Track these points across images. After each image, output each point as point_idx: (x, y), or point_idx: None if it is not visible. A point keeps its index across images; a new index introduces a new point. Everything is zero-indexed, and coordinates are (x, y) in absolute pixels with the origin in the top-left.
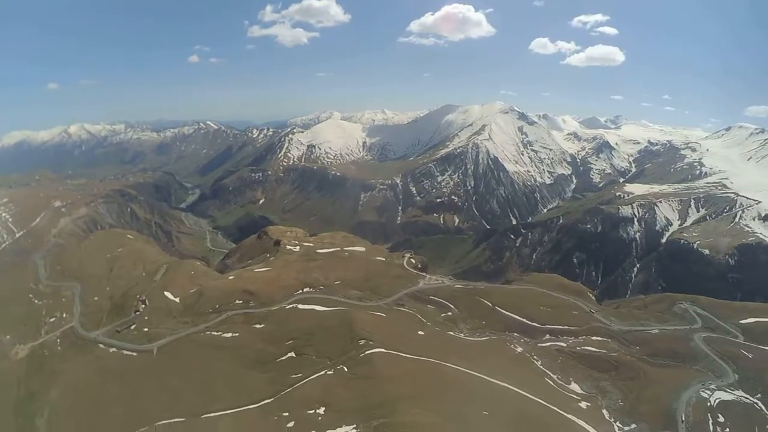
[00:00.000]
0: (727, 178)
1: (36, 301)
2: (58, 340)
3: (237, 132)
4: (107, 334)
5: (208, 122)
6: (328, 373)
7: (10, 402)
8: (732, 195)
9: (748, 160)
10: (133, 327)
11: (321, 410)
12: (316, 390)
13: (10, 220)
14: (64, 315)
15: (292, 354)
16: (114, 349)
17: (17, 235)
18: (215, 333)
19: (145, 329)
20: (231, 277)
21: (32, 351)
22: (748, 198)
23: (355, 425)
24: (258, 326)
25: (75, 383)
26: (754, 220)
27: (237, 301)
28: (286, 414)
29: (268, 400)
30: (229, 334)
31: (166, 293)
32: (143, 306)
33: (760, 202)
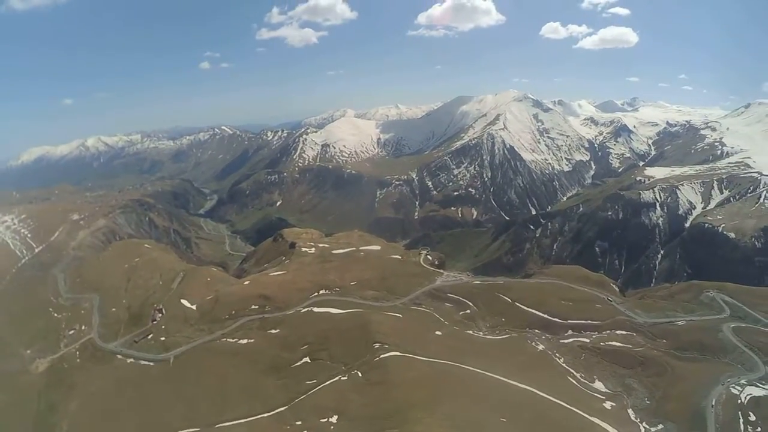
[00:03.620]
0: (749, 157)
1: (56, 315)
2: (77, 353)
3: (252, 135)
4: (125, 344)
5: (223, 127)
6: (342, 378)
7: (30, 416)
8: (755, 174)
9: None
10: (150, 337)
11: (334, 419)
12: (329, 397)
13: (29, 235)
14: (83, 327)
15: (307, 359)
16: (132, 360)
17: (36, 251)
18: (231, 340)
19: (162, 338)
20: (246, 283)
21: (52, 364)
22: None
23: None
24: (273, 331)
25: (93, 395)
26: None
27: (253, 306)
28: (299, 423)
29: (282, 408)
30: (245, 341)
31: (182, 301)
32: (160, 315)
33: None
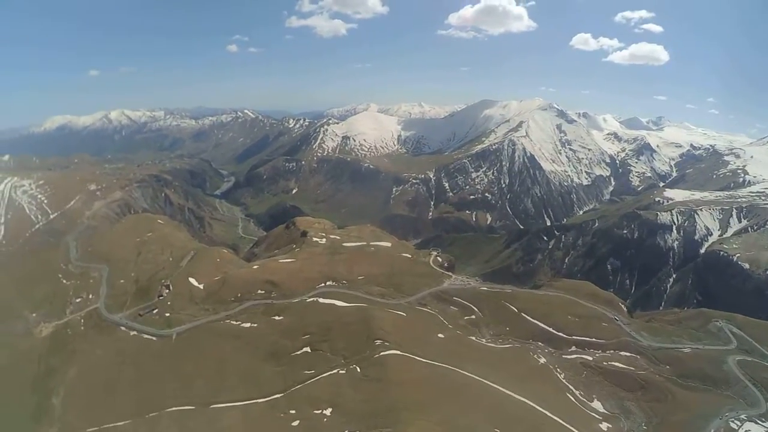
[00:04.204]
0: None
1: (64, 281)
2: (82, 321)
3: (274, 121)
4: (130, 317)
5: (246, 111)
6: (340, 372)
7: (29, 379)
8: None
9: None
10: (155, 312)
11: (327, 411)
12: (325, 389)
13: (46, 201)
14: (90, 296)
15: (307, 349)
16: (135, 333)
17: (51, 216)
18: (234, 322)
19: (167, 314)
20: (255, 267)
21: (56, 329)
22: None
23: (357, 431)
24: (277, 318)
25: (93, 364)
26: None
27: (259, 291)
28: (293, 412)
29: (278, 396)
30: (248, 324)
31: (190, 279)
32: (167, 291)
33: None
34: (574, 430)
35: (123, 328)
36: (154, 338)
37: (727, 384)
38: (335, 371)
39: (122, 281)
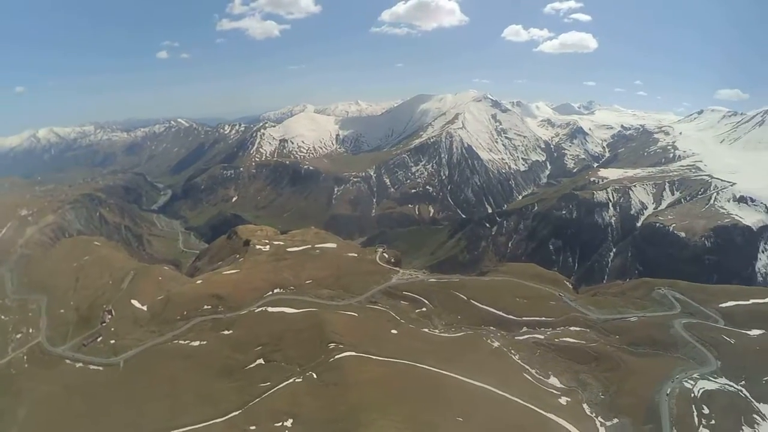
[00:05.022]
0: (700, 161)
1: (3, 317)
2: (25, 357)
3: (209, 129)
4: (74, 348)
5: (179, 119)
6: (296, 380)
7: None
8: (706, 177)
9: (721, 142)
10: (99, 339)
11: (288, 423)
12: (284, 400)
13: None
14: (31, 330)
15: (261, 361)
16: (80, 365)
17: None
18: (182, 342)
19: (112, 341)
20: (199, 281)
21: None
22: (722, 180)
23: None
24: (226, 332)
25: (42, 402)
26: (729, 201)
27: (205, 307)
28: (253, 428)
29: (236, 413)
30: (197, 343)
31: (133, 302)
32: (110, 317)
33: (734, 183)
34: (535, 408)
35: (68, 360)
36: (101, 368)
37: (675, 347)
38: (291, 380)
39: (62, 311)
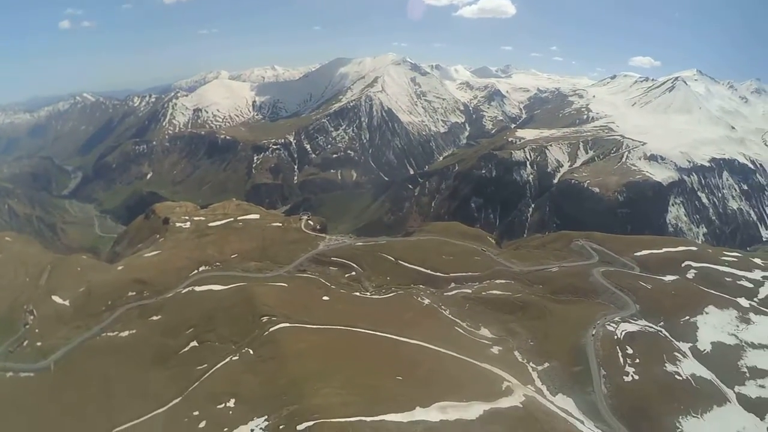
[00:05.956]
0: (613, 122)
1: None
2: None
3: (117, 102)
4: (1, 356)
5: (85, 95)
6: (233, 359)
7: None
8: (618, 137)
9: (633, 105)
10: (25, 343)
11: (231, 403)
12: (223, 381)
13: None
14: None
15: (195, 343)
16: (11, 374)
17: None
18: (111, 334)
19: (38, 343)
20: (120, 268)
21: None
22: (633, 140)
23: (266, 416)
24: (155, 318)
25: None
26: (640, 159)
27: (130, 294)
28: (197, 413)
29: (176, 401)
30: (126, 333)
31: (53, 297)
32: (32, 317)
33: (645, 143)
34: (469, 359)
35: None
36: (32, 374)
37: (596, 293)
38: (228, 359)
39: None
